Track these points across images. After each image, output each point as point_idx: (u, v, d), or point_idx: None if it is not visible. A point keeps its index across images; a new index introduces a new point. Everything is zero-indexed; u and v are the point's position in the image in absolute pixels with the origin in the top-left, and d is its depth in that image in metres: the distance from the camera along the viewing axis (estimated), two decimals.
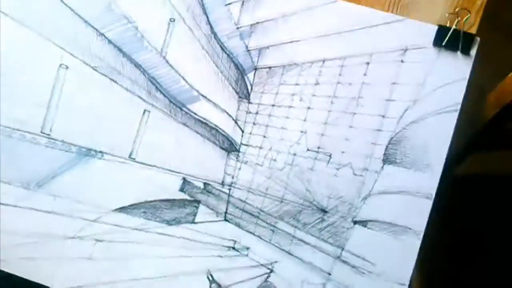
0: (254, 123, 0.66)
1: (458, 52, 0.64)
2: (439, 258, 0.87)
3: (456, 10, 0.64)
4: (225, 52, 0.66)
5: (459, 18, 0.64)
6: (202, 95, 0.66)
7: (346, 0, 0.65)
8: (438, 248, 0.87)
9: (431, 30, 0.64)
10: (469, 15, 0.64)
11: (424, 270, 0.87)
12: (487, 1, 0.65)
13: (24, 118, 0.66)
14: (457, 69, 0.64)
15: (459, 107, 0.64)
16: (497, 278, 0.83)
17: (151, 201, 0.66)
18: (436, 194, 0.65)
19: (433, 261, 0.87)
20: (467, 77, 0.64)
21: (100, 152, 0.66)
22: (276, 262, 0.66)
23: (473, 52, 0.64)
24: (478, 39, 0.64)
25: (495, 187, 0.82)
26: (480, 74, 0.64)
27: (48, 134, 0.66)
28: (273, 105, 0.66)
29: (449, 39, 0.64)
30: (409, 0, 0.65)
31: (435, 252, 0.87)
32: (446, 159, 0.64)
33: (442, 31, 0.64)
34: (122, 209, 0.66)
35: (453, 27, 0.64)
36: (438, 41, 0.64)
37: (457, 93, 0.64)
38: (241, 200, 0.66)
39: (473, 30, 0.64)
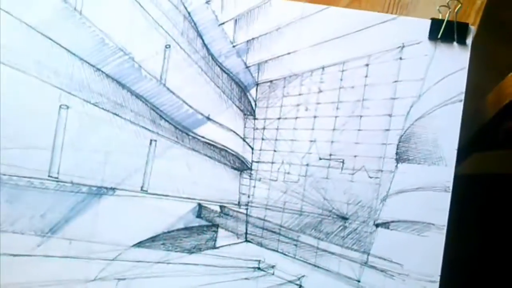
0: (262, 139, 0.65)
1: (455, 43, 0.64)
2: None
3: (448, 2, 0.64)
4: (225, 72, 0.65)
5: (451, 10, 0.64)
6: (207, 117, 0.65)
7: (348, 3, 0.66)
8: None
9: (425, 24, 0.64)
10: (460, 5, 0.64)
11: None
12: (487, 1, 0.66)
13: (29, 164, 0.64)
14: (456, 60, 0.64)
15: (463, 96, 0.64)
16: (496, 278, 0.83)
17: (169, 232, 0.65)
18: None
19: None
20: (467, 66, 0.64)
21: (111, 188, 0.65)
22: (303, 276, 0.65)
23: (469, 41, 0.64)
24: (473, 27, 0.64)
25: (495, 187, 0.81)
26: (480, 74, 0.64)
27: (56, 177, 0.64)
28: (279, 118, 0.65)
29: (443, 31, 0.64)
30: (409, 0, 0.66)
31: None
32: (458, 149, 0.64)
33: (436, 24, 0.64)
34: (140, 244, 0.64)
35: (446, 18, 0.64)
36: (433, 35, 0.64)
37: (459, 83, 0.64)
38: (260, 218, 0.65)
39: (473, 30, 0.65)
